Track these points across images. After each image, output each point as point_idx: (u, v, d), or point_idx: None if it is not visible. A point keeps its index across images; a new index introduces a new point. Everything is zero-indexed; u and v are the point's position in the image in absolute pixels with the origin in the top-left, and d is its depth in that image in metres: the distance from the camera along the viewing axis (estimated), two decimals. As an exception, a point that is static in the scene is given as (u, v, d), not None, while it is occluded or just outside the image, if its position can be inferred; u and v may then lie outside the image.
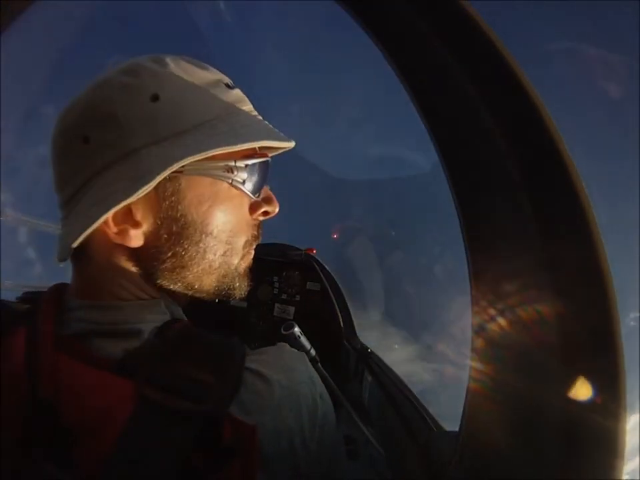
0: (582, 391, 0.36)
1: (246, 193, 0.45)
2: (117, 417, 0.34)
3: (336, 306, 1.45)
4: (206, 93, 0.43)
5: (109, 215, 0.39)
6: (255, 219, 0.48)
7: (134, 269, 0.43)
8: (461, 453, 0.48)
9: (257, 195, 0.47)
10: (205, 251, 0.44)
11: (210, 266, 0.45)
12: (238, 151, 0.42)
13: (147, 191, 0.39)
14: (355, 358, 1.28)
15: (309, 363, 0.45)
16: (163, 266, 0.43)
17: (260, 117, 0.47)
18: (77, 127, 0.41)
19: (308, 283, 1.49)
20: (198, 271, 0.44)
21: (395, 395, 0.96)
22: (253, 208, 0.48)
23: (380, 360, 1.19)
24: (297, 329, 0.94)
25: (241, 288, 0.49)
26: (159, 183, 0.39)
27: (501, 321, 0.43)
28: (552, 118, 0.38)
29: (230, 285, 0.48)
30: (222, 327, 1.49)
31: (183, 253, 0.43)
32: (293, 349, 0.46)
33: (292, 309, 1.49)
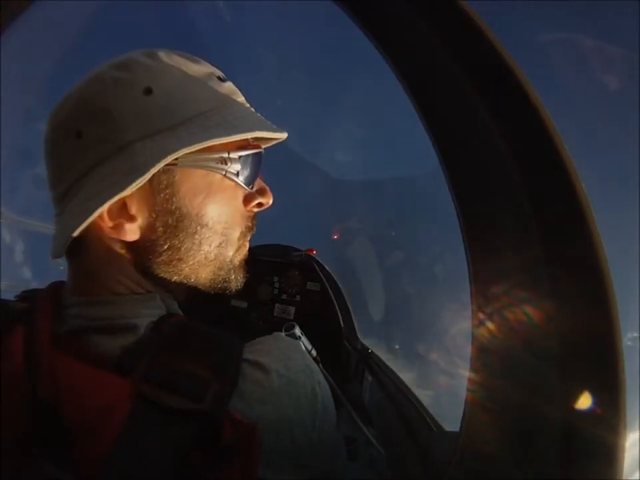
0: (581, 400, 0.36)
1: (240, 185, 0.45)
2: (115, 415, 0.33)
3: (336, 306, 1.45)
4: (199, 85, 0.43)
5: (105, 208, 0.38)
6: (249, 211, 0.48)
7: (130, 263, 0.43)
8: (461, 455, 0.48)
9: (250, 187, 0.47)
10: (200, 243, 0.44)
11: (206, 258, 0.45)
12: (231, 143, 0.42)
13: (141, 184, 0.39)
14: (355, 358, 1.28)
15: (306, 352, 0.45)
16: (160, 259, 0.43)
17: (252, 109, 0.47)
18: (70, 122, 0.41)
19: (308, 283, 1.49)
20: (194, 263, 0.45)
21: (395, 395, 0.97)
22: (247, 199, 0.47)
23: (380, 360, 1.19)
24: (297, 330, 0.95)
25: (236, 280, 0.49)
26: (154, 175, 0.39)
27: (497, 324, 0.43)
28: (551, 118, 0.38)
29: (226, 277, 0.48)
30: (222, 327, 1.48)
31: (179, 246, 0.43)
32: (289, 338, 0.46)
33: (292, 309, 1.49)
